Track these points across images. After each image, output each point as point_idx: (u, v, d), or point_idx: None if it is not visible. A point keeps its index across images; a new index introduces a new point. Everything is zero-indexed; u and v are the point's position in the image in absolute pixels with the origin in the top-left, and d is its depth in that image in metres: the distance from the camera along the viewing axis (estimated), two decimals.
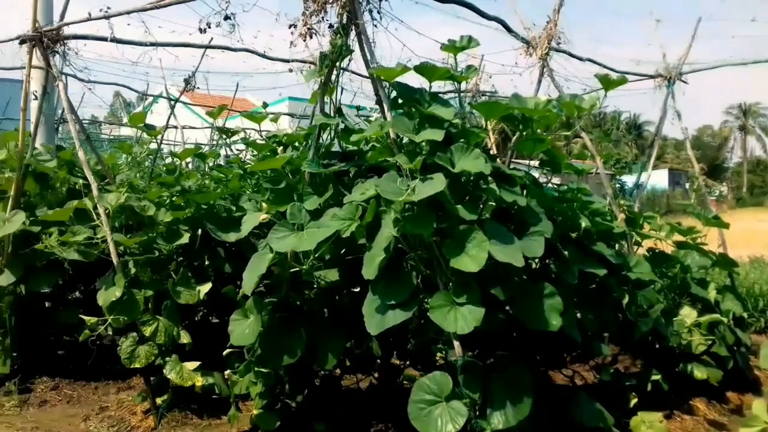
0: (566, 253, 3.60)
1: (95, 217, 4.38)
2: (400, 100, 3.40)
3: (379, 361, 4.53)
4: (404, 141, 3.35)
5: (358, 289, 3.85)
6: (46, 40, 4.20)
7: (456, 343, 3.08)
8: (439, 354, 4.50)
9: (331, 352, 3.69)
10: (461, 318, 2.92)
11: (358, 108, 4.88)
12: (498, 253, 2.91)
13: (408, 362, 4.59)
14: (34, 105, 4.93)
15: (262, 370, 3.62)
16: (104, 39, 3.94)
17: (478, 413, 3.01)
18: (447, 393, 2.97)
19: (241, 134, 5.64)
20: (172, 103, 6.27)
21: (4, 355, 4.91)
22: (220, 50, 3.74)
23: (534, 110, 3.31)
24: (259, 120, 4.67)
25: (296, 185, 3.69)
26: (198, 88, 6.16)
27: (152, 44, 3.95)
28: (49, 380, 5.18)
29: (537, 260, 3.63)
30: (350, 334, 3.90)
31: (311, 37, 3.21)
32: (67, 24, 4.32)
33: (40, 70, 4.69)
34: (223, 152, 8.12)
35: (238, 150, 7.35)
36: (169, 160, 7.03)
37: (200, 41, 4.35)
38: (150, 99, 10.60)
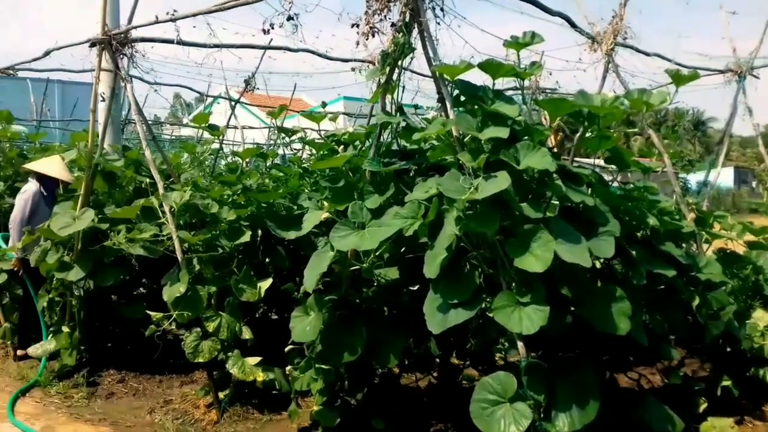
0: (633, 253, 3.50)
1: (161, 215, 4.50)
2: (462, 98, 3.37)
3: (438, 360, 4.51)
4: (466, 139, 3.31)
5: (416, 287, 3.85)
6: (114, 43, 4.34)
7: (520, 344, 3.03)
8: (498, 354, 4.46)
9: (392, 351, 3.70)
10: (526, 318, 2.87)
11: (416, 107, 4.87)
12: (565, 253, 2.85)
13: (468, 362, 4.56)
14: (102, 106, 5.09)
15: (323, 366, 3.64)
16: (171, 41, 4.03)
17: (542, 416, 2.96)
18: (511, 394, 2.92)
19: (300, 133, 5.69)
20: (233, 103, 6.40)
21: (71, 347, 5.09)
22: (281, 51, 3.76)
23: (601, 107, 3.23)
24: (318, 119, 4.71)
25: (356, 184, 3.70)
26: (258, 88, 6.27)
27: (216, 46, 4.02)
28: (116, 373, 5.34)
29: (602, 260, 3.54)
30: (409, 332, 3.89)
31: (373, 36, 3.21)
32: (135, 27, 4.45)
33: (108, 73, 4.84)
34: (280, 151, 8.22)
35: (294, 149, 7.43)
36: (229, 159, 7.16)
37: (263, 42, 4.40)
38: (210, 100, 10.83)
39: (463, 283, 3.15)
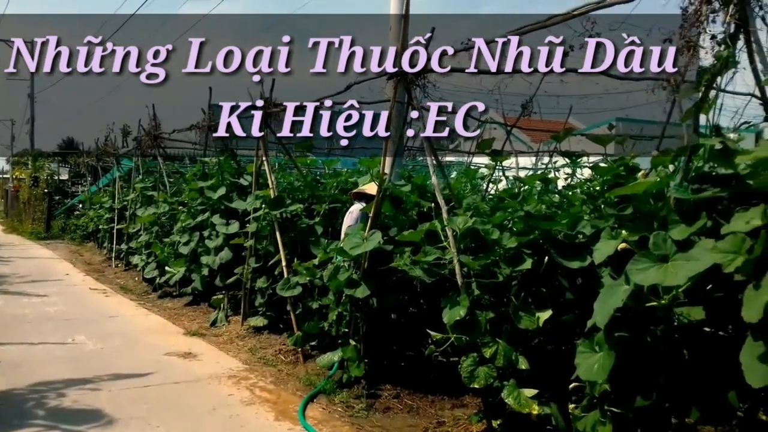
0: None
1: (443, 239, 4.60)
2: None
3: (740, 414, 3.93)
4: None
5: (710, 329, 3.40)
6: (410, 75, 4.56)
7: None
8: None
9: (696, 403, 3.30)
10: None
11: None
12: None
13: None
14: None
15: (615, 410, 3.37)
16: (461, 71, 4.11)
17: None
18: None
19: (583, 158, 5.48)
20: (508, 129, 6.41)
21: (358, 359, 5.43)
22: (573, 74, 3.62)
23: None
24: (605, 142, 4.47)
25: (657, 212, 3.39)
26: (535, 113, 6.18)
27: (509, 73, 4.01)
28: (392, 388, 5.57)
29: None
30: (714, 382, 3.44)
31: (688, 51, 2.92)
32: (429, 61, 4.61)
33: (397, 103, 5.12)
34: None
35: (566, 173, 7.19)
36: (500, 185, 7.16)
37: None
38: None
39: None
